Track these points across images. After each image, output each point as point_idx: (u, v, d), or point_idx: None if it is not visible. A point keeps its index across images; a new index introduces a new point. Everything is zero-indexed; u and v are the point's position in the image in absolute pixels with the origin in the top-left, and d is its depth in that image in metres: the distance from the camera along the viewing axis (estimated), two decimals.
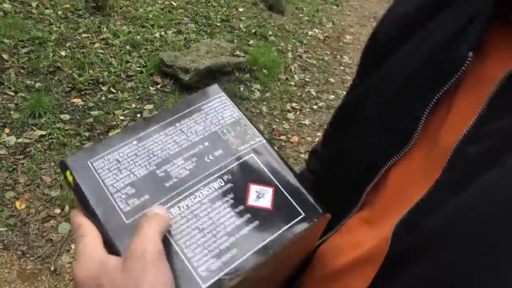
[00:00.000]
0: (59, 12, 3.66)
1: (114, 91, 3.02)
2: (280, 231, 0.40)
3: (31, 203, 2.19)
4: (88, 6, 3.80)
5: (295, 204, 0.42)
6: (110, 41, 3.46)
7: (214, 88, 0.50)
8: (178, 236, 0.38)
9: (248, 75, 3.43)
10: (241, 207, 0.41)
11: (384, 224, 0.42)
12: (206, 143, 0.44)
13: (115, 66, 3.22)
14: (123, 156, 0.42)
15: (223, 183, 0.42)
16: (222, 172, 0.43)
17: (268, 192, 0.42)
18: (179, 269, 0.36)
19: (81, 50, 3.28)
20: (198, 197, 0.41)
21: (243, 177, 0.43)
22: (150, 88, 3.11)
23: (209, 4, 4.75)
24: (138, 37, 3.63)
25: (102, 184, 0.41)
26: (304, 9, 5.72)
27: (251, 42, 4.07)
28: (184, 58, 3.18)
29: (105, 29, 3.59)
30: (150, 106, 2.94)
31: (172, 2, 4.54)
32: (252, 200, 0.41)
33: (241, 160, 0.44)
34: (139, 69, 3.26)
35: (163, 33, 3.82)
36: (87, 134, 2.64)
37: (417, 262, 0.37)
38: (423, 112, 0.41)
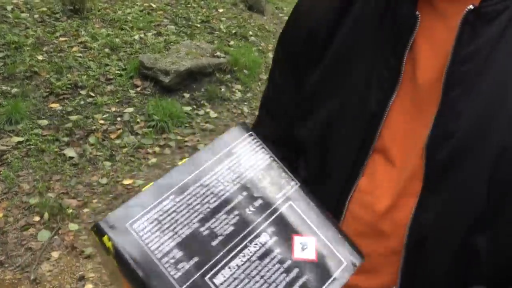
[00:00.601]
0: (36, 16, 3.60)
1: (93, 95, 2.98)
2: (326, 284, 0.41)
3: (9, 212, 2.15)
4: (66, 9, 3.75)
5: (336, 253, 0.43)
6: (89, 44, 3.42)
7: (240, 128, 0.48)
8: None
9: (229, 76, 3.42)
10: (289, 262, 0.40)
11: (407, 155, 0.50)
12: (245, 193, 0.43)
13: (94, 69, 3.19)
14: (162, 215, 0.40)
15: (269, 237, 0.41)
16: (266, 225, 0.42)
17: (312, 242, 0.42)
18: None
19: (58, 54, 3.23)
20: (246, 255, 0.40)
21: (285, 228, 0.42)
22: (130, 91, 3.08)
23: (189, 5, 4.72)
24: (117, 39, 3.60)
25: (146, 249, 0.38)
26: (284, 8, 5.74)
27: (232, 42, 4.07)
28: (164, 60, 3.16)
29: (83, 32, 3.54)
30: (131, 109, 2.91)
31: (151, 4, 4.50)
32: (297, 253, 0.41)
33: (281, 210, 0.43)
34: (119, 72, 3.23)
35: (142, 35, 3.79)
36: (66, 139, 2.60)
37: (453, 168, 0.46)
38: (399, 63, 0.50)
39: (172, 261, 0.38)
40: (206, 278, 0.38)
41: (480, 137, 0.45)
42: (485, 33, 0.45)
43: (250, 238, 0.41)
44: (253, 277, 0.39)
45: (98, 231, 0.39)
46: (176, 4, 4.69)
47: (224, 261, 0.39)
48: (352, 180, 0.53)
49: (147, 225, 0.39)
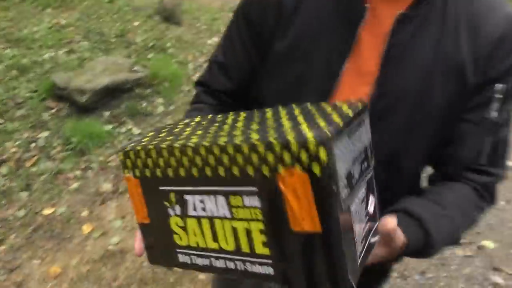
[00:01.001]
0: None
1: (2, 121, 2.78)
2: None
3: None
4: None
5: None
6: None
7: None
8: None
9: (149, 90, 3.37)
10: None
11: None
12: None
13: (1, 93, 2.98)
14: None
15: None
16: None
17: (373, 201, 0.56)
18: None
19: None
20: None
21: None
22: (44, 114, 2.92)
23: (102, 19, 4.58)
24: (25, 60, 3.39)
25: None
26: (201, 18, 5.76)
27: (150, 55, 4.00)
28: (79, 79, 3.03)
29: None
30: (46, 133, 2.76)
31: (60, 20, 4.30)
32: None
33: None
34: (29, 94, 3.05)
35: (53, 53, 3.60)
36: None
37: (389, 116, 0.70)
38: (352, 40, 0.69)
39: None
40: None
41: (402, 98, 0.69)
42: (407, 29, 0.68)
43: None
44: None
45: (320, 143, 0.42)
46: (88, 19, 4.53)
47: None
48: None
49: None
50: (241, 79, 0.83)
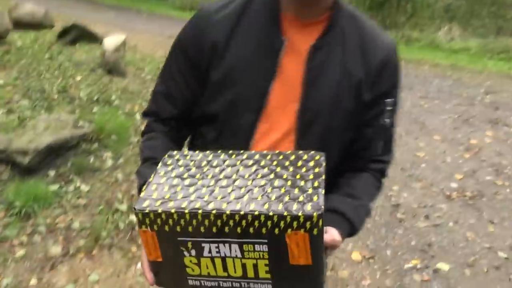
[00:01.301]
0: None
1: None
2: None
3: None
4: None
5: None
6: None
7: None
8: None
9: (96, 145, 3.30)
10: None
11: (285, 117, 0.91)
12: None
13: None
14: None
15: None
16: None
17: None
18: None
19: None
20: None
21: None
22: None
23: (42, 76, 4.50)
24: None
25: None
26: (146, 68, 5.81)
27: (95, 109, 3.96)
28: (20, 140, 2.92)
29: None
30: None
31: None
32: None
33: None
34: None
35: None
36: None
37: (313, 126, 0.90)
38: (276, 65, 0.88)
39: None
40: None
41: (321, 110, 0.90)
42: (319, 56, 0.88)
43: None
44: None
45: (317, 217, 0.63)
46: (27, 77, 4.43)
47: None
48: (254, 129, 0.91)
49: None
50: (185, 105, 0.97)
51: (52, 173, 2.93)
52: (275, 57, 0.88)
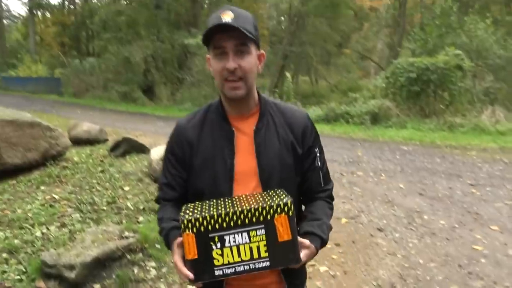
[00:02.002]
0: None
1: None
2: None
3: None
4: None
5: None
6: None
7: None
8: None
9: (140, 255, 3.35)
10: None
11: (249, 175, 1.31)
12: None
13: None
14: None
15: None
16: None
17: None
18: None
19: None
20: None
21: None
22: None
23: (94, 189, 4.78)
24: (16, 241, 3.43)
25: None
26: None
27: (141, 218, 4.09)
28: (68, 254, 3.03)
29: None
30: None
31: (54, 195, 4.48)
32: None
33: None
34: (19, 277, 3.00)
35: (45, 230, 3.67)
36: None
37: (271, 180, 1.30)
38: (232, 147, 1.31)
39: None
40: None
41: (273, 167, 1.30)
42: (261, 134, 1.32)
43: None
44: None
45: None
46: (80, 191, 4.72)
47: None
48: (232, 192, 1.30)
49: None
50: (182, 188, 1.39)
51: (97, 286, 2.97)
52: (231, 142, 1.32)
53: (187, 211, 1.16)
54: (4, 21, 35.33)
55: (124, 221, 3.95)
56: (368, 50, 36.52)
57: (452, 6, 17.14)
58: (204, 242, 1.11)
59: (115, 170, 5.56)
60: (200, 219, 1.10)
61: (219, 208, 1.15)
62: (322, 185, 1.42)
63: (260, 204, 1.12)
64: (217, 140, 1.32)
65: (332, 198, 1.46)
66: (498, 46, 14.96)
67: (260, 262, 1.12)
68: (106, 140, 7.76)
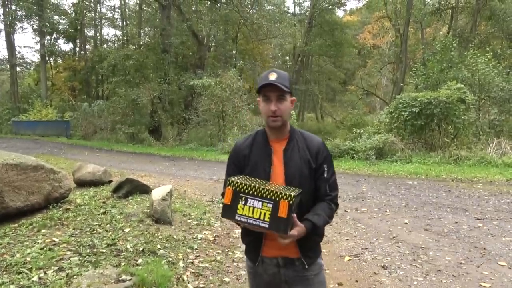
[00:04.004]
0: None
1: None
2: None
3: None
4: None
5: None
6: None
7: None
8: None
9: None
10: None
11: (279, 182, 1.96)
12: None
13: None
14: None
15: None
16: None
17: None
18: None
19: None
20: None
21: None
22: None
23: (94, 231, 4.76)
24: (13, 286, 3.39)
25: None
26: (192, 214, 6.01)
27: (140, 260, 4.04)
28: None
29: None
30: None
31: (54, 239, 4.46)
32: None
33: None
34: None
35: (42, 274, 3.63)
36: None
37: (292, 184, 1.92)
38: (271, 164, 1.99)
39: None
40: None
41: (295, 175, 1.94)
42: (288, 153, 2.00)
43: None
44: None
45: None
46: (81, 233, 4.70)
47: None
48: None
49: None
50: None
51: None
52: (270, 157, 1.99)
53: (235, 177, 1.86)
54: (18, 68, 36.47)
55: (122, 264, 3.91)
56: (372, 86, 36.98)
57: (452, 42, 17.44)
58: (235, 196, 1.76)
59: (117, 212, 5.55)
60: (238, 182, 1.78)
61: (253, 182, 1.79)
62: (328, 191, 1.98)
63: (276, 189, 1.73)
64: (261, 155, 2.00)
65: (335, 204, 2.02)
66: (501, 79, 15.06)
67: (262, 222, 1.71)
68: (110, 181, 7.79)
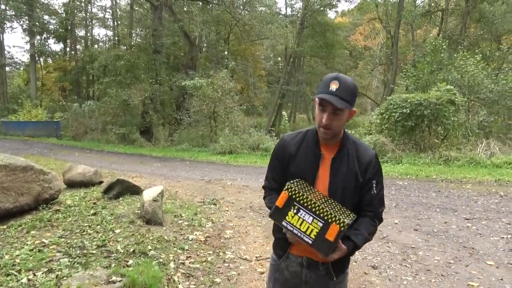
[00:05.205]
0: None
1: None
2: None
3: None
4: None
5: None
6: None
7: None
8: None
9: None
10: None
11: (323, 188, 1.89)
12: None
13: None
14: None
15: None
16: None
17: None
18: None
19: None
20: None
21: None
22: None
23: (84, 232, 4.73)
24: None
25: None
26: (183, 215, 6.00)
27: (130, 261, 4.02)
28: None
29: None
30: None
31: (44, 240, 4.43)
32: None
33: None
34: None
35: (31, 276, 3.60)
36: None
37: (335, 193, 1.88)
38: (318, 163, 1.91)
39: None
40: None
41: (339, 185, 1.86)
42: (337, 161, 1.90)
43: None
44: None
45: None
46: (71, 234, 4.67)
47: None
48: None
49: None
50: (279, 182, 1.96)
51: None
52: (318, 162, 1.90)
53: (294, 182, 1.81)
54: (7, 68, 36.11)
55: (113, 265, 3.89)
56: (363, 87, 37.17)
57: (442, 44, 17.61)
58: (289, 202, 1.74)
59: (107, 213, 5.52)
60: (297, 190, 1.73)
61: (311, 194, 1.76)
62: (373, 207, 1.91)
63: (332, 211, 1.69)
64: (309, 158, 1.91)
65: (379, 219, 1.94)
66: (490, 80, 15.24)
67: (307, 237, 1.71)
68: (101, 182, 7.75)
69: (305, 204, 1.70)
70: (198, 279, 3.95)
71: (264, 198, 2.07)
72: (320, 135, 1.88)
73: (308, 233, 1.69)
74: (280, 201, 1.75)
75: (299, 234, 1.70)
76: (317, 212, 1.68)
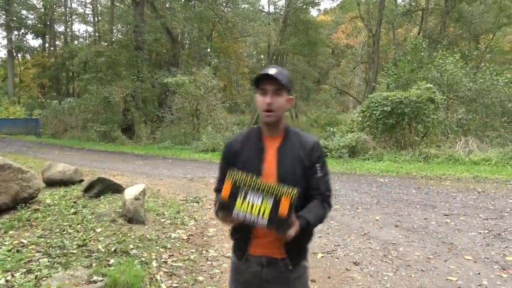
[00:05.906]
0: None
1: None
2: None
3: None
4: None
5: None
6: None
7: None
8: None
9: None
10: None
11: (272, 175, 1.90)
12: None
13: None
14: None
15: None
16: None
17: None
18: None
19: None
20: None
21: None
22: None
23: (64, 232, 4.65)
24: None
25: None
26: (165, 213, 5.96)
27: (112, 261, 3.97)
28: None
29: None
30: None
31: (22, 240, 4.34)
32: None
33: None
34: None
35: (9, 277, 3.52)
36: None
37: (285, 182, 1.81)
38: (262, 160, 1.94)
39: None
40: None
41: (288, 172, 1.90)
42: (282, 150, 1.95)
43: None
44: None
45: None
46: (50, 234, 4.59)
47: None
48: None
49: None
50: None
51: None
52: (261, 154, 1.94)
53: (235, 170, 1.76)
54: None
55: (94, 265, 3.84)
56: (345, 85, 37.46)
57: (422, 43, 17.89)
58: (234, 190, 1.71)
59: (88, 211, 5.44)
60: (239, 175, 1.72)
61: (253, 177, 1.72)
62: (320, 190, 1.94)
63: (278, 186, 1.68)
64: (252, 152, 1.96)
65: (328, 203, 1.98)
66: (468, 79, 15.55)
67: (260, 219, 1.68)
68: (81, 181, 7.63)
69: (252, 185, 1.69)
70: (181, 277, 3.93)
71: (215, 204, 1.98)
72: (264, 120, 1.93)
73: (261, 215, 1.67)
74: (225, 192, 1.71)
75: (252, 219, 1.68)
76: (265, 189, 1.68)
